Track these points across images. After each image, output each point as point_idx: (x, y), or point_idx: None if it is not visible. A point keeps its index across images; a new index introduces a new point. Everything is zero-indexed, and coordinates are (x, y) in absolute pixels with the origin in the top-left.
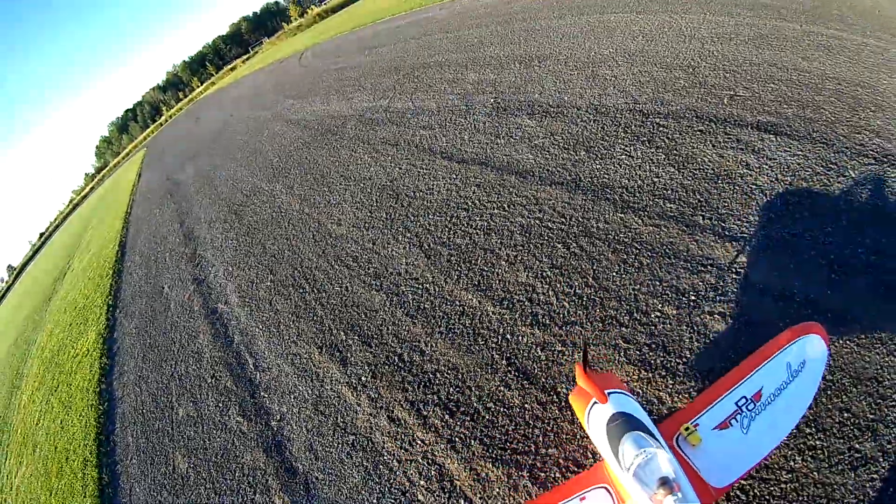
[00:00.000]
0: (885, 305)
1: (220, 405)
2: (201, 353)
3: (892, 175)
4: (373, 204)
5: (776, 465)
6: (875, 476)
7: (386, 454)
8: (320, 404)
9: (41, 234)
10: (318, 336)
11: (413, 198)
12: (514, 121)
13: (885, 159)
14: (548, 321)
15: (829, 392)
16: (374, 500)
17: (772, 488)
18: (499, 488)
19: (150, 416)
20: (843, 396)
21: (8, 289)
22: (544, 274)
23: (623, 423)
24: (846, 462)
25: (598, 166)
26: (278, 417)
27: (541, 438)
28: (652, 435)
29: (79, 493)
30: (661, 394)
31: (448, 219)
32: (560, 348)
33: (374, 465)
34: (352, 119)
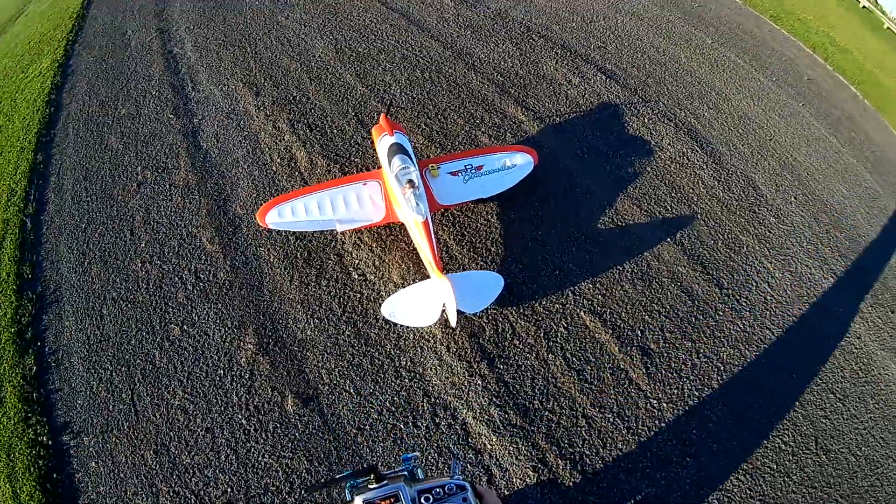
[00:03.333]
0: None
1: (158, 108)
2: (151, 76)
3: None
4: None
5: None
6: None
7: (263, 145)
8: (231, 114)
9: None
10: (246, 77)
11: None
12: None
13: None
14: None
15: None
16: (248, 171)
17: None
18: (320, 170)
19: (94, 114)
20: None
21: None
22: (399, 80)
23: (397, 148)
24: None
25: (471, 42)
26: (199, 118)
27: (354, 151)
28: (412, 161)
29: (9, 175)
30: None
31: (365, 38)
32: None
33: (253, 148)
34: None
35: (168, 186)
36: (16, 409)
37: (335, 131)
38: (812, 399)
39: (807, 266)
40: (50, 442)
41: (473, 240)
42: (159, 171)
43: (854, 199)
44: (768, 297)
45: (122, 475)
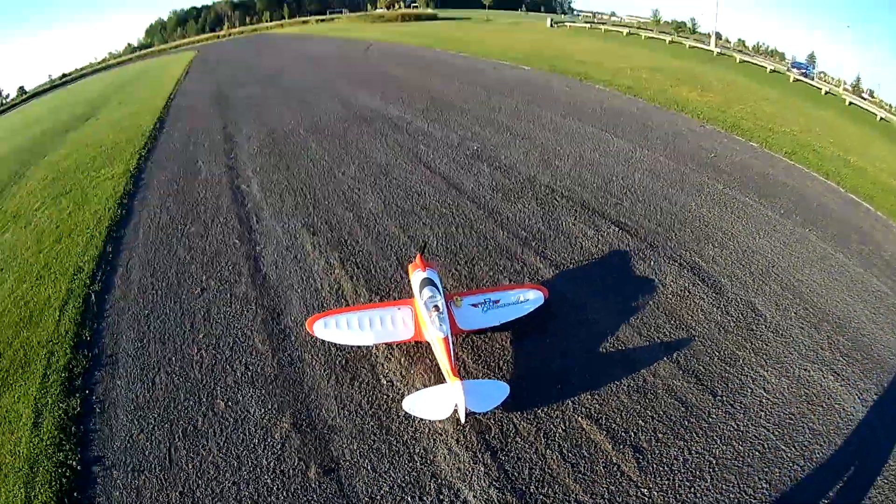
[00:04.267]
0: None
1: (224, 232)
2: (220, 206)
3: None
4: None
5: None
6: None
7: (316, 275)
8: (290, 248)
9: (64, 75)
10: (305, 219)
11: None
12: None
13: (688, 268)
14: (420, 241)
15: None
16: (301, 294)
17: None
18: (363, 299)
19: (164, 225)
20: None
21: (13, 106)
22: (437, 232)
23: (428, 281)
24: None
25: (501, 203)
26: (261, 246)
27: (393, 287)
28: (440, 293)
29: (76, 254)
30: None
31: (409, 196)
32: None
33: (307, 277)
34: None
35: (229, 296)
36: (50, 435)
37: (378, 270)
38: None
39: (805, 370)
40: (79, 467)
41: (488, 359)
42: (222, 282)
43: (858, 303)
44: (764, 400)
45: None
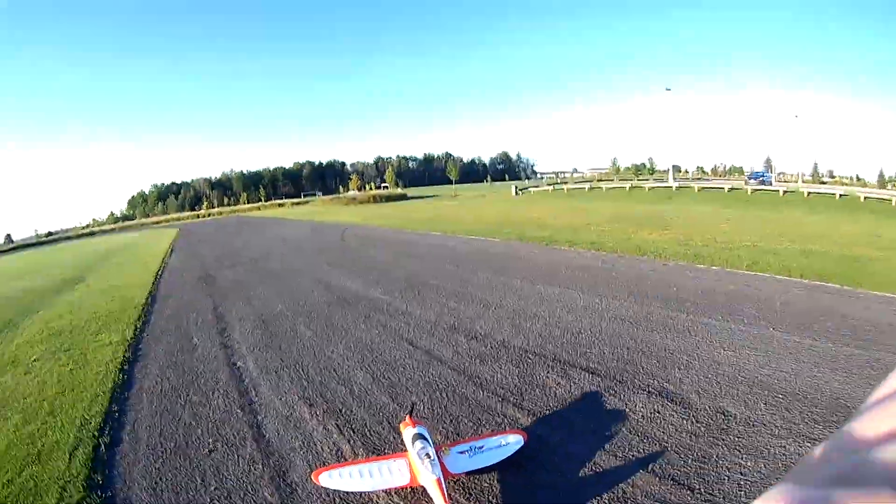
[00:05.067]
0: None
1: (226, 403)
2: (218, 379)
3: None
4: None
5: None
6: None
7: (315, 440)
8: (289, 417)
9: (50, 233)
10: (301, 392)
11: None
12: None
13: (655, 393)
14: (408, 404)
15: None
16: (304, 455)
17: None
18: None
19: (167, 392)
20: None
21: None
22: (423, 399)
23: (418, 435)
24: None
25: (479, 367)
26: (262, 416)
27: (387, 447)
28: (430, 444)
29: (82, 409)
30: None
31: (395, 370)
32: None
33: (307, 441)
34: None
35: (236, 456)
36: None
37: (372, 434)
38: None
39: (782, 447)
40: None
41: (478, 495)
42: (228, 445)
43: (829, 372)
44: (742, 482)
45: None
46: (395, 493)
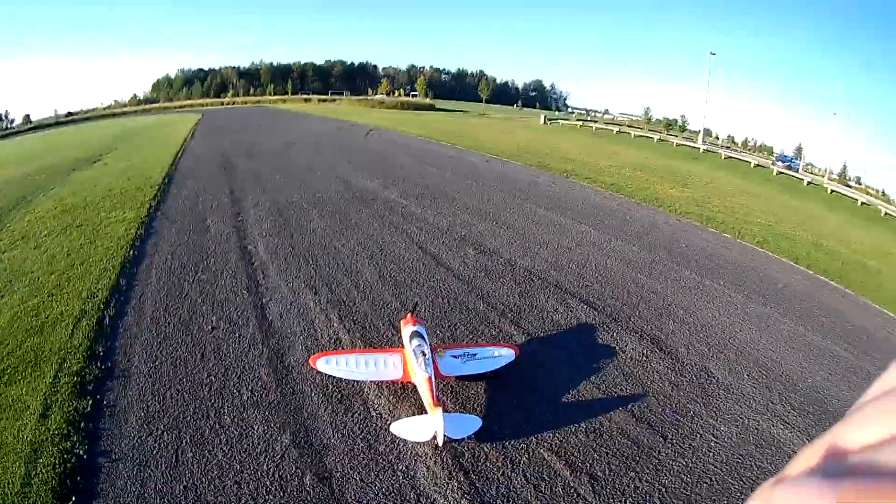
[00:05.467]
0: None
1: (233, 283)
2: (228, 260)
3: (614, 338)
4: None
5: None
6: None
7: (317, 327)
8: (294, 303)
9: (70, 113)
10: (308, 280)
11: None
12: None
13: (647, 339)
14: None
15: None
16: (303, 342)
17: None
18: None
19: (176, 270)
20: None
21: (17, 133)
22: (425, 302)
23: (416, 334)
24: None
25: (484, 281)
26: (267, 299)
27: (385, 341)
28: (427, 343)
29: (90, 281)
30: None
31: (402, 269)
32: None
33: (308, 328)
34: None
35: (237, 336)
36: (58, 426)
37: (372, 328)
38: None
39: (755, 421)
40: (85, 456)
41: (464, 402)
42: (231, 323)
43: (815, 365)
44: (713, 444)
45: (146, 497)
46: (386, 386)
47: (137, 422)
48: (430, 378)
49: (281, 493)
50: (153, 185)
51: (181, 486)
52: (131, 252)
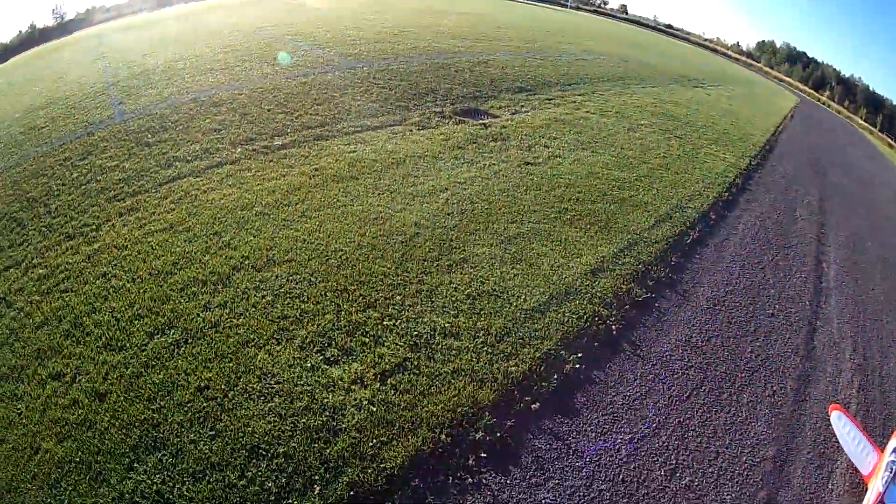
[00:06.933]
0: None
1: (799, 282)
2: (805, 263)
3: None
4: None
5: None
6: None
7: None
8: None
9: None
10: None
11: None
12: None
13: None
14: None
15: None
16: None
17: None
18: None
19: (758, 235)
20: None
21: None
22: None
23: None
24: None
25: None
26: (828, 308)
27: None
28: None
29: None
30: None
31: None
32: None
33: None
34: None
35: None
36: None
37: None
38: None
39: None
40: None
41: None
42: (787, 316)
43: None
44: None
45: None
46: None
47: None
48: (878, 493)
49: None
50: (755, 144)
51: None
52: (724, 194)
